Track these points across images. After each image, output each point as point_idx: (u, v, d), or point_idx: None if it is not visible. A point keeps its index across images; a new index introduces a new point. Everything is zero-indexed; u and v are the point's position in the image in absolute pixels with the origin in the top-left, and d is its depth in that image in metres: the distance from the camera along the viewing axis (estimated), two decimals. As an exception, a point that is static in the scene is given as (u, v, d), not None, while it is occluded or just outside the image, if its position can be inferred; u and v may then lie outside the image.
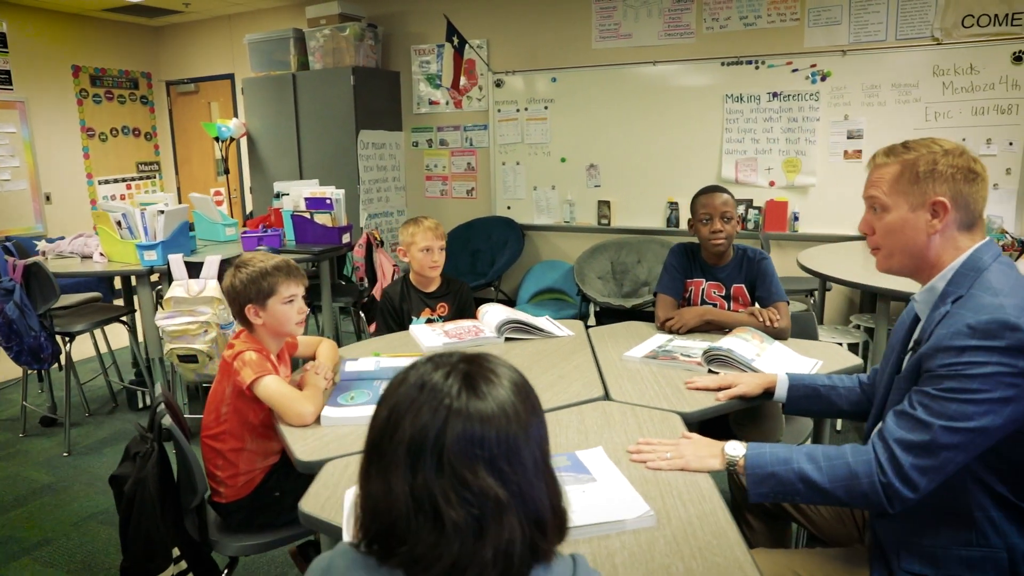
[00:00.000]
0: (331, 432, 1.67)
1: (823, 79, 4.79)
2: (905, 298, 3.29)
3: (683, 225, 5.33)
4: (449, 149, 6.07)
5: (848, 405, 1.76)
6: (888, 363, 1.57)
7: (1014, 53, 4.37)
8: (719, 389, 1.88)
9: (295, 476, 1.74)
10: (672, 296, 2.57)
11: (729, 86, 5.04)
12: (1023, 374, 1.20)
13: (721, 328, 2.43)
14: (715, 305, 2.56)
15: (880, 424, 1.33)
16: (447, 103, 5.97)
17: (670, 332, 2.45)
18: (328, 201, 3.80)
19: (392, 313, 2.73)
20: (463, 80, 5.73)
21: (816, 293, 4.62)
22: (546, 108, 5.61)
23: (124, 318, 3.83)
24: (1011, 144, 4.49)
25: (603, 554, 1.18)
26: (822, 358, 2.15)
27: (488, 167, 5.93)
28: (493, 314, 2.50)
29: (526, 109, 5.68)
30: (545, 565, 0.84)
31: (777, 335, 2.36)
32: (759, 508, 1.82)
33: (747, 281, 2.54)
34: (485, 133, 5.89)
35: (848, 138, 4.81)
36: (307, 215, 3.83)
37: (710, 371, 2.06)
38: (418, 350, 2.32)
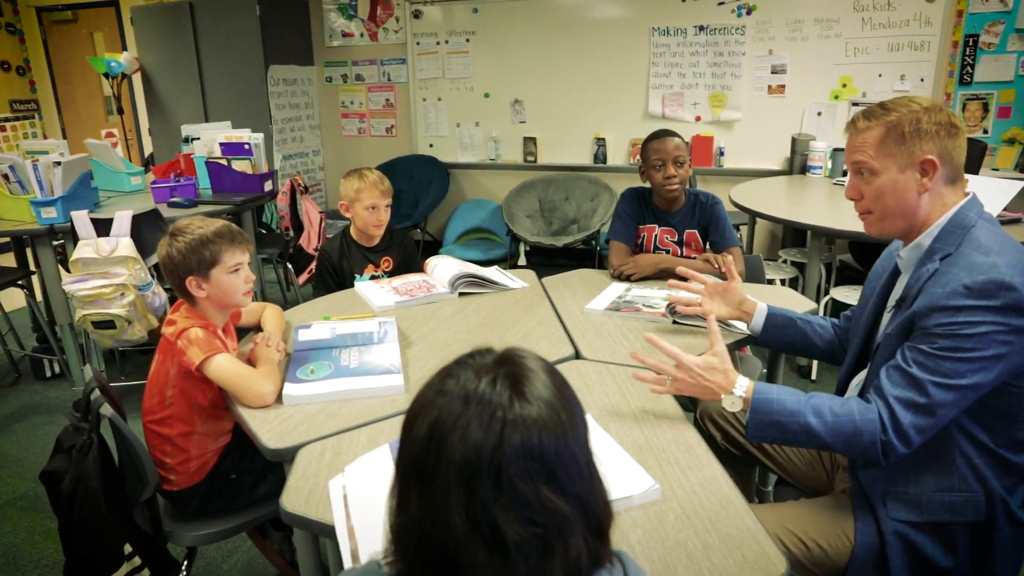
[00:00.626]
0: (296, 412, 1.54)
1: (749, 13, 4.76)
2: (832, 233, 3.40)
3: (611, 161, 5.29)
4: (366, 85, 5.74)
5: (822, 343, 1.78)
6: (864, 314, 1.58)
7: (929, -12, 4.47)
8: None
9: (251, 455, 1.62)
10: (625, 243, 2.53)
11: (655, 19, 4.94)
12: (1016, 331, 1.22)
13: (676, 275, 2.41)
14: (668, 251, 2.54)
15: (876, 381, 1.33)
16: (362, 35, 5.61)
17: (625, 279, 2.42)
18: (246, 146, 3.51)
19: (332, 272, 2.56)
20: (379, 11, 5.38)
21: (745, 229, 4.72)
22: (468, 41, 5.36)
23: (20, 281, 3.47)
24: (922, 80, 4.64)
25: (617, 534, 1.13)
26: (778, 303, 2.17)
27: (408, 103, 5.66)
28: (444, 268, 2.39)
29: (447, 42, 5.41)
30: (605, 570, 0.78)
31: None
32: (723, 453, 1.84)
33: (700, 226, 2.52)
34: (404, 68, 5.60)
35: (772, 73, 4.84)
36: (223, 162, 3.53)
37: (675, 322, 2.04)
38: (368, 309, 2.19)
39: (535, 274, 2.57)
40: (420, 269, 2.65)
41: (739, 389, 1.39)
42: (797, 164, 4.70)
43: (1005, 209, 3.21)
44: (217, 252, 1.67)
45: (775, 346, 1.89)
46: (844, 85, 4.76)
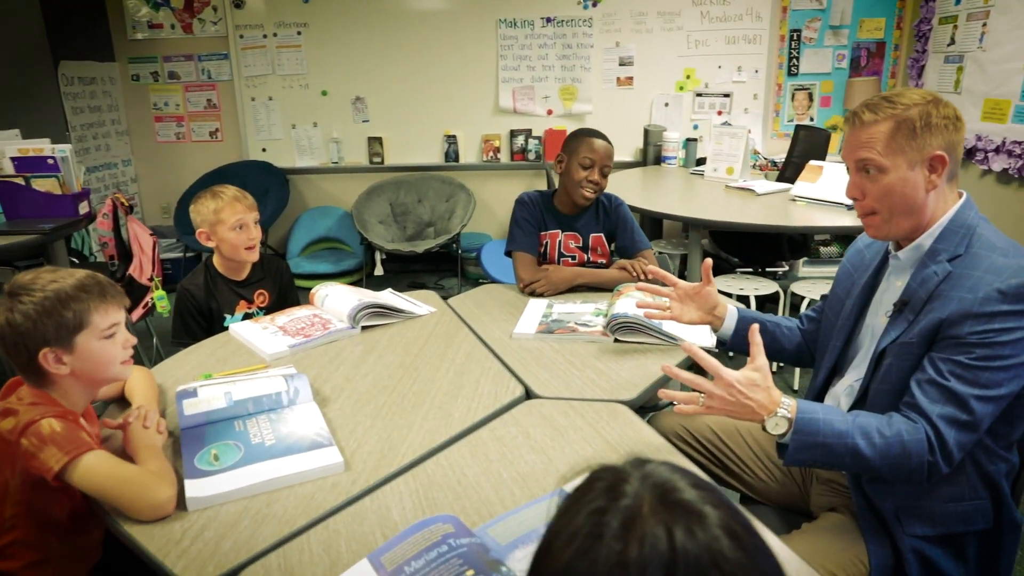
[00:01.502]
0: (210, 521, 1.16)
1: (595, 4, 4.73)
2: (707, 225, 3.42)
3: (464, 159, 5.06)
4: (182, 83, 5.03)
5: (791, 346, 1.69)
6: (842, 316, 1.50)
7: (755, -16, 4.67)
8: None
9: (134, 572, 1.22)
10: (531, 253, 2.31)
11: (502, 10, 4.77)
12: None
13: (592, 287, 2.25)
14: (573, 257, 2.36)
15: (910, 398, 1.22)
16: (173, 27, 4.90)
17: (537, 295, 2.21)
18: (50, 160, 2.86)
19: (196, 315, 2.11)
20: (191, -3, 4.73)
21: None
22: (299, 34, 4.87)
23: None
24: (757, 71, 4.87)
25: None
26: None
27: (234, 104, 5.05)
28: (338, 299, 2.04)
29: (275, 35, 4.87)
30: None
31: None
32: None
33: (606, 230, 2.37)
34: (226, 63, 4.97)
35: (620, 65, 4.86)
36: (20, 180, 2.86)
37: (616, 340, 1.86)
38: (255, 359, 1.80)
39: (437, 295, 2.28)
40: (298, 301, 2.28)
41: (783, 409, 1.21)
42: (651, 155, 4.76)
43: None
44: (84, 312, 1.24)
45: (743, 352, 1.76)
46: (688, 76, 4.88)
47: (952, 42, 4.24)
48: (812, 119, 4.94)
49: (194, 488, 1.20)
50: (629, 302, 1.92)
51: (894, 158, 1.26)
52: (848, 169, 1.36)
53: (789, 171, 4.18)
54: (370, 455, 1.34)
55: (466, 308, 2.15)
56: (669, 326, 1.87)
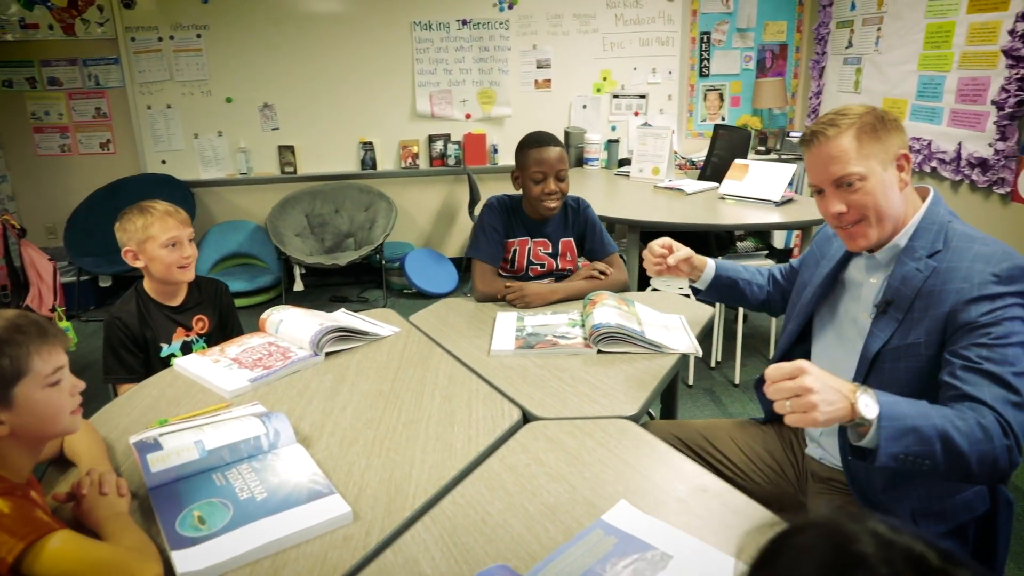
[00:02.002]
0: (207, 597, 1.00)
1: (511, 7, 4.67)
2: (645, 227, 3.43)
3: (381, 166, 4.89)
4: (64, 90, 4.59)
5: (756, 302, 1.85)
6: (805, 301, 1.57)
7: (668, -13, 4.76)
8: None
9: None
10: (492, 264, 2.21)
11: (416, 12, 4.63)
12: None
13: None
14: (543, 265, 2.28)
15: (953, 391, 1.18)
16: (51, 27, 4.45)
17: (508, 303, 2.11)
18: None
19: (131, 346, 1.88)
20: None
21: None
22: (199, 37, 4.54)
23: None
24: (671, 72, 4.96)
25: None
26: (674, 311, 2.04)
27: (128, 113, 4.65)
28: (296, 324, 1.86)
29: (171, 38, 4.52)
30: None
31: (621, 290, 2.20)
32: None
33: (575, 234, 2.30)
34: (117, 68, 4.57)
35: (538, 67, 4.82)
36: None
37: (599, 351, 1.79)
38: (215, 396, 1.61)
39: (395, 313, 2.14)
40: (240, 326, 2.09)
41: (861, 390, 1.09)
42: (573, 157, 4.75)
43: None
44: (23, 358, 1.04)
45: (711, 300, 1.92)
46: (605, 78, 4.91)
47: (850, 45, 4.47)
48: (724, 118, 5.08)
49: (185, 561, 1.03)
50: (608, 311, 1.86)
51: (868, 163, 1.29)
52: (821, 192, 1.37)
53: (709, 170, 4.27)
54: (377, 500, 1.21)
55: (431, 325, 2.03)
56: (652, 334, 1.83)
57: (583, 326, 1.92)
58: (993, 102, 3.33)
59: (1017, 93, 3.19)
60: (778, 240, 4.97)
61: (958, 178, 3.58)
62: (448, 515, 1.17)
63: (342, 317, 1.98)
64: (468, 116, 4.87)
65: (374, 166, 4.87)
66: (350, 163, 4.89)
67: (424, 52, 4.69)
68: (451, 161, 4.91)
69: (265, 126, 4.75)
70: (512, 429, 1.45)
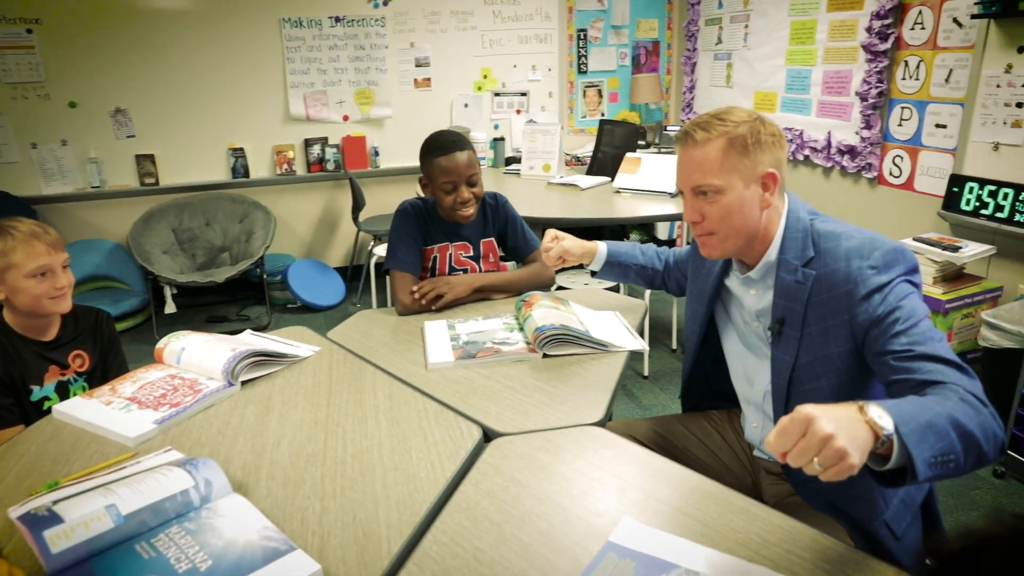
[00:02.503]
0: None
1: (386, 3, 4.48)
2: (548, 224, 3.38)
3: (255, 173, 4.55)
4: None
5: (644, 282, 1.91)
6: (697, 316, 1.58)
7: (543, -16, 4.75)
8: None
9: None
10: (412, 272, 2.05)
11: (285, 8, 4.33)
12: (919, 288, 1.24)
13: (488, 294, 2.07)
14: (466, 270, 2.14)
15: (912, 377, 1.12)
16: None
17: (429, 304, 1.96)
18: None
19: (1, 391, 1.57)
20: None
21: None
22: (30, 32, 4.00)
23: None
24: (550, 70, 4.96)
25: None
26: (609, 307, 1.98)
27: (-55, 121, 4.03)
28: (204, 352, 1.62)
29: (-4, 34, 3.96)
30: None
31: (547, 286, 2.12)
32: None
33: (496, 232, 2.18)
34: (-71, 70, 3.94)
35: (417, 66, 4.66)
36: None
37: (545, 355, 1.69)
38: (115, 446, 1.35)
39: (308, 329, 1.94)
40: (125, 362, 1.82)
41: (863, 405, 0.94)
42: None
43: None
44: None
45: (609, 279, 1.97)
46: (485, 76, 4.83)
47: (719, 41, 4.65)
48: (603, 114, 5.15)
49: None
50: (547, 312, 1.76)
51: (729, 177, 1.27)
52: (684, 194, 1.36)
53: (597, 165, 4.30)
54: (346, 550, 1.04)
55: (353, 340, 1.84)
56: (597, 333, 1.75)
57: (522, 329, 1.81)
58: (857, 93, 3.55)
59: (877, 85, 3.41)
60: (662, 231, 5.10)
61: (829, 165, 3.80)
62: (435, 557, 1.02)
63: (252, 339, 1.75)
64: (346, 118, 4.62)
65: (247, 174, 4.52)
66: (219, 172, 4.50)
67: (295, 51, 4.40)
68: (330, 166, 4.65)
69: (119, 133, 4.27)
70: (476, 449, 1.32)
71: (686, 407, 1.74)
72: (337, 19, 4.41)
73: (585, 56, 4.99)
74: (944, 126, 3.12)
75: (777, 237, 1.34)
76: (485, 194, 2.15)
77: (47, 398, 1.66)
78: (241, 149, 4.47)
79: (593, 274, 1.94)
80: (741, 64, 4.46)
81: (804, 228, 1.32)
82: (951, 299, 2.75)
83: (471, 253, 2.14)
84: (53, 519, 1.02)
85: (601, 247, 1.87)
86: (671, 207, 3.40)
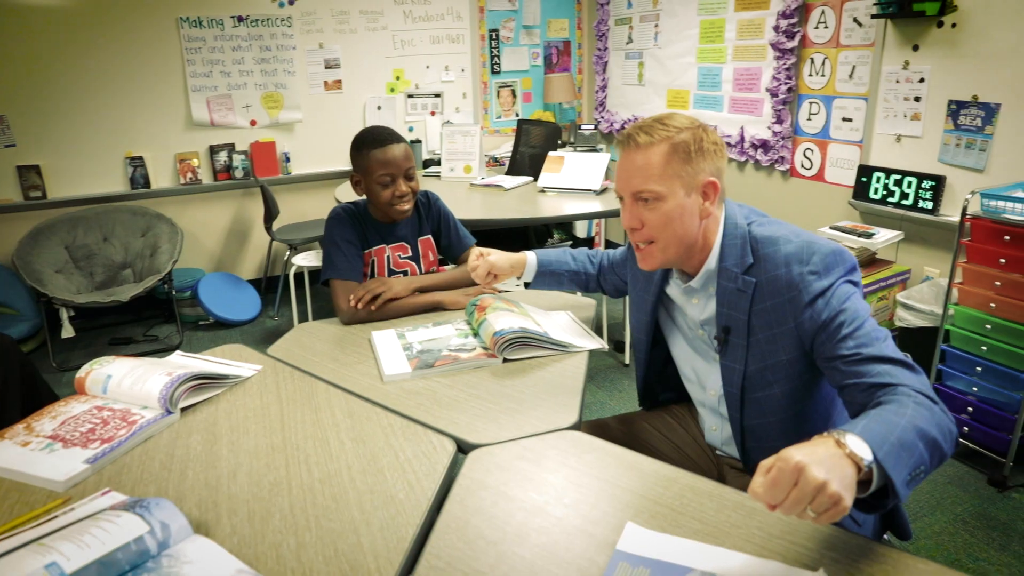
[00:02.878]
0: None
1: (291, 2, 4.29)
2: (477, 225, 3.30)
3: (156, 184, 4.26)
4: None
5: (578, 287, 1.87)
6: (642, 325, 1.57)
7: (453, -16, 4.68)
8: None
9: None
10: (354, 279, 1.95)
11: (182, 7, 4.07)
12: (858, 287, 1.25)
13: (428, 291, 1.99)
14: (406, 272, 2.06)
15: (861, 380, 1.12)
16: None
17: (365, 306, 1.87)
18: None
19: None
20: None
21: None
22: None
23: None
24: (463, 70, 4.90)
25: None
26: (560, 307, 1.95)
27: None
28: (134, 378, 1.46)
29: None
30: None
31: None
32: None
33: (432, 230, 2.11)
34: None
35: (327, 68, 4.50)
36: None
37: (505, 360, 1.63)
38: (41, 493, 1.19)
39: (245, 347, 1.80)
40: (37, 392, 1.63)
41: (838, 436, 0.91)
42: (376, 162, 4.48)
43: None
44: None
45: (544, 288, 1.91)
46: (398, 77, 4.72)
47: (630, 40, 4.73)
48: (518, 114, 5.13)
49: None
50: (503, 316, 1.71)
51: (670, 183, 1.25)
52: (622, 200, 1.33)
53: (516, 165, 4.28)
54: (357, 561, 0.95)
55: (295, 356, 1.72)
56: (556, 334, 1.71)
57: (476, 335, 1.74)
58: (767, 90, 3.68)
59: (786, 81, 3.55)
60: (580, 230, 5.14)
61: (744, 159, 3.92)
62: (437, 564, 0.95)
63: (186, 361, 1.60)
64: (254, 123, 4.40)
65: (147, 184, 4.21)
66: (116, 183, 4.18)
67: (196, 52, 4.14)
68: (239, 173, 4.41)
69: (-3, 143, 3.89)
70: (453, 464, 1.24)
71: (645, 408, 1.72)
72: (240, 19, 4.19)
73: (498, 56, 4.96)
74: (850, 120, 3.28)
75: (716, 245, 1.32)
76: (419, 192, 2.08)
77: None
78: (140, 158, 4.16)
79: (527, 286, 1.87)
80: (653, 62, 4.54)
81: (742, 235, 1.31)
82: (867, 283, 2.88)
83: (409, 254, 2.06)
84: (-16, 587, 0.88)
85: (531, 257, 1.81)
86: (597, 204, 3.41)
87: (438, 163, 4.27)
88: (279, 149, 4.48)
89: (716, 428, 1.51)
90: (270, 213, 4.16)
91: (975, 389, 2.47)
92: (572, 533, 1.04)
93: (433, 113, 4.87)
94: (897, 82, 3.03)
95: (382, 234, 2.03)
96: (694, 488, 1.13)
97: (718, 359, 1.38)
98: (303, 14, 4.33)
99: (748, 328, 1.29)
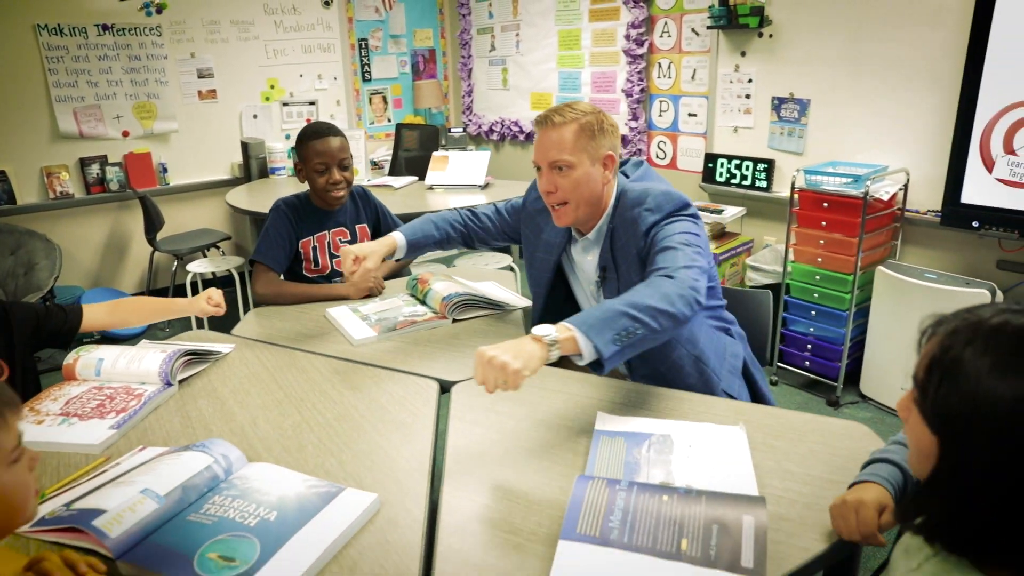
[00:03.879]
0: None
1: (159, 11, 4.22)
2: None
3: (23, 199, 4.04)
4: None
5: (443, 250, 2.04)
6: (541, 279, 1.81)
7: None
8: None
9: None
10: (275, 266, 2.13)
11: (39, 14, 3.90)
12: (696, 222, 1.54)
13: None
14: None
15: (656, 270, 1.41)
16: None
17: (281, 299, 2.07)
18: None
19: None
20: None
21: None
22: None
23: None
24: (336, 78, 5.02)
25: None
26: (484, 279, 2.21)
27: None
28: (129, 359, 1.56)
29: None
30: None
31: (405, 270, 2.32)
32: None
33: (369, 219, 2.31)
34: None
35: (200, 77, 4.46)
36: None
37: (454, 320, 1.88)
38: (76, 458, 1.29)
39: (208, 330, 1.92)
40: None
41: (536, 329, 1.23)
42: (256, 168, 4.50)
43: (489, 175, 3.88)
44: None
45: (415, 257, 2.07)
46: (272, 86, 4.76)
47: (493, 48, 5.07)
48: (389, 119, 5.32)
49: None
50: (447, 284, 1.96)
51: (579, 155, 1.53)
52: (540, 169, 1.59)
53: (396, 167, 4.49)
54: (386, 483, 1.16)
55: (263, 335, 1.87)
56: (493, 294, 1.98)
57: (423, 303, 1.98)
58: (622, 91, 4.15)
59: (639, 83, 4.03)
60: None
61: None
62: (468, 468, 1.19)
63: (165, 346, 1.71)
64: (126, 134, 4.28)
65: (12, 200, 3.99)
66: (-27, 200, 3.92)
67: (58, 62, 3.98)
68: (113, 186, 4.27)
69: None
70: (442, 401, 1.48)
71: None
72: (105, 27, 4.07)
73: (368, 64, 5.13)
74: (696, 115, 3.80)
75: (609, 207, 1.61)
76: (353, 187, 2.28)
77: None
78: (3, 172, 3.94)
79: (398, 261, 2.03)
80: (516, 68, 4.91)
81: (621, 196, 1.60)
82: (721, 252, 3.38)
83: (348, 238, 2.26)
84: (94, 512, 1.02)
85: (399, 238, 1.88)
86: (482, 197, 3.70)
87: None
88: (155, 159, 4.39)
89: None
90: (152, 224, 4.08)
91: (812, 330, 3.02)
92: (557, 427, 1.32)
93: (308, 120, 4.94)
94: (731, 82, 3.57)
95: (322, 222, 2.21)
96: (634, 388, 1.45)
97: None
98: (172, 23, 4.27)
99: (615, 263, 1.59)
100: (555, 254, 1.76)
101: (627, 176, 1.66)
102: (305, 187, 2.25)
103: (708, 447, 1.20)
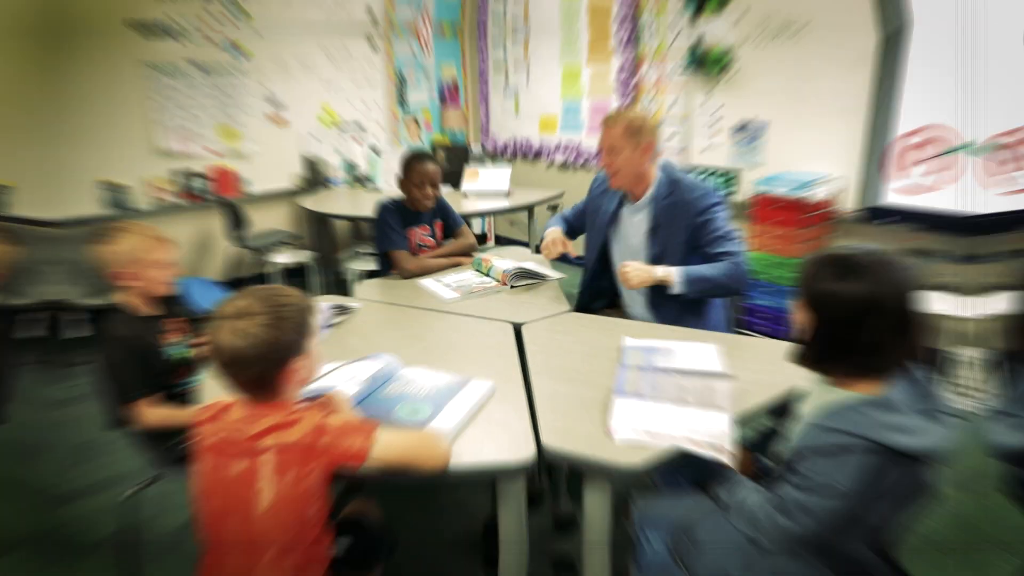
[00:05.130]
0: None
1: (247, 59, 4.66)
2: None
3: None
4: None
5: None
6: (595, 235, 2.33)
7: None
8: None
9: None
10: (405, 248, 2.60)
11: (149, 53, 4.33)
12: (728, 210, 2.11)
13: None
14: (428, 246, 2.71)
15: (712, 250, 2.04)
16: None
17: (423, 273, 2.53)
18: None
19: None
20: None
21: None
22: None
23: None
24: (379, 105, 5.47)
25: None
26: (517, 258, 2.66)
27: None
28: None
29: None
30: None
31: (472, 250, 2.78)
32: None
33: (439, 216, 2.77)
34: None
35: (271, 105, 4.90)
36: None
37: (512, 287, 2.36)
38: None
39: (338, 296, 2.38)
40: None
41: (657, 270, 2.01)
42: (316, 180, 4.95)
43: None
44: (313, 319, 1.26)
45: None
46: (327, 112, 5.21)
47: (507, 82, 5.55)
48: (420, 139, 5.79)
49: (438, 424, 1.38)
50: (504, 262, 2.46)
51: (624, 143, 2.06)
52: (601, 151, 2.12)
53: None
54: (492, 366, 1.65)
55: (378, 296, 2.34)
56: (538, 268, 2.46)
57: (488, 275, 2.46)
58: (615, 116, 4.63)
59: (628, 110, 4.51)
60: (475, 227, 5.89)
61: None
62: (545, 358, 1.68)
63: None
64: (213, 151, 4.72)
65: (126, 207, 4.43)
66: (93, 206, 4.35)
67: (160, 92, 4.42)
68: (203, 194, 4.71)
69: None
70: (518, 336, 1.96)
71: (580, 305, 2.38)
72: (199, 67, 4.52)
73: (404, 94, 5.59)
74: (678, 132, 4.30)
75: (654, 182, 2.13)
76: None
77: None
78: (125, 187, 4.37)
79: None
80: (526, 97, 5.39)
81: (666, 178, 2.13)
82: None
83: (429, 232, 2.73)
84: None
85: (562, 227, 2.48)
86: (505, 202, 4.20)
87: (369, 179, 4.87)
88: (237, 172, 4.83)
89: (633, 303, 2.29)
90: (239, 226, 4.51)
91: (765, 302, 3.52)
92: (599, 349, 1.81)
93: (354, 138, 5.40)
94: (703, 109, 4.06)
95: (414, 218, 2.68)
96: (653, 326, 1.94)
97: (643, 254, 2.15)
98: (252, 62, 4.72)
99: (665, 226, 2.09)
100: (608, 219, 2.25)
101: None
102: (382, 195, 2.70)
103: (694, 354, 1.70)
